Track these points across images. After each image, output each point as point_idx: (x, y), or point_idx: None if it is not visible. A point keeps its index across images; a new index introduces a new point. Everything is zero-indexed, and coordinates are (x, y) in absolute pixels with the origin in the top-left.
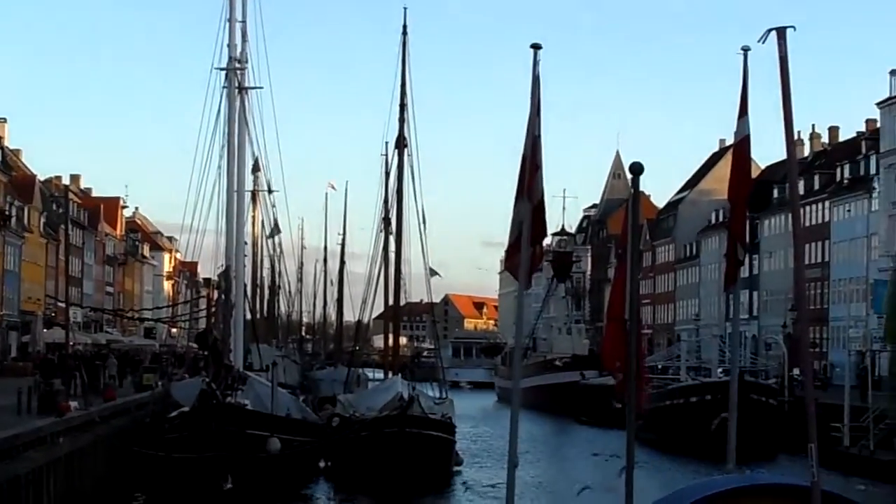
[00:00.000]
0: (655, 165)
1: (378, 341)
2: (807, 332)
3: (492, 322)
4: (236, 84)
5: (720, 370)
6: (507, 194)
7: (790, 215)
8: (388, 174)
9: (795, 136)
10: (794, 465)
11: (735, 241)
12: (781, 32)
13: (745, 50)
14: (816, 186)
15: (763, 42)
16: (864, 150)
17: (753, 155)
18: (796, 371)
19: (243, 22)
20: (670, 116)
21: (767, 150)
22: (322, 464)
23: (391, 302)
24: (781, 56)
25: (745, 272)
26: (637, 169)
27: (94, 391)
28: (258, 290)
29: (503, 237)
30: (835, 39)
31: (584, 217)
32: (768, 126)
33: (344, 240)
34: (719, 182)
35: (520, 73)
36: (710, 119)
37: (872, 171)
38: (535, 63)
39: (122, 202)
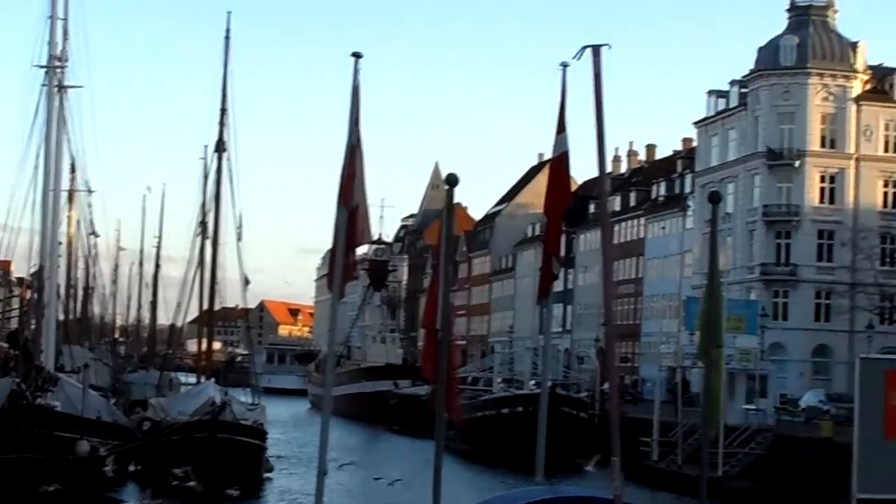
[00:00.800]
0: (475, 178)
1: (192, 346)
2: (613, 346)
3: (307, 329)
4: (55, 82)
5: (532, 382)
6: (325, 202)
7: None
8: (206, 178)
9: (614, 153)
10: (600, 478)
11: (550, 254)
12: (597, 50)
13: (564, 66)
14: (633, 203)
15: (578, 59)
16: (679, 169)
17: (572, 170)
18: (607, 385)
19: (65, 19)
20: (491, 129)
21: (587, 166)
22: (132, 467)
23: (206, 306)
24: (596, 73)
25: (559, 286)
26: (452, 180)
27: None
28: (72, 291)
29: (320, 244)
30: (655, 59)
31: (402, 227)
32: (588, 141)
33: (160, 242)
34: (536, 196)
35: (342, 80)
36: (530, 133)
37: (688, 189)
38: (356, 72)
39: None
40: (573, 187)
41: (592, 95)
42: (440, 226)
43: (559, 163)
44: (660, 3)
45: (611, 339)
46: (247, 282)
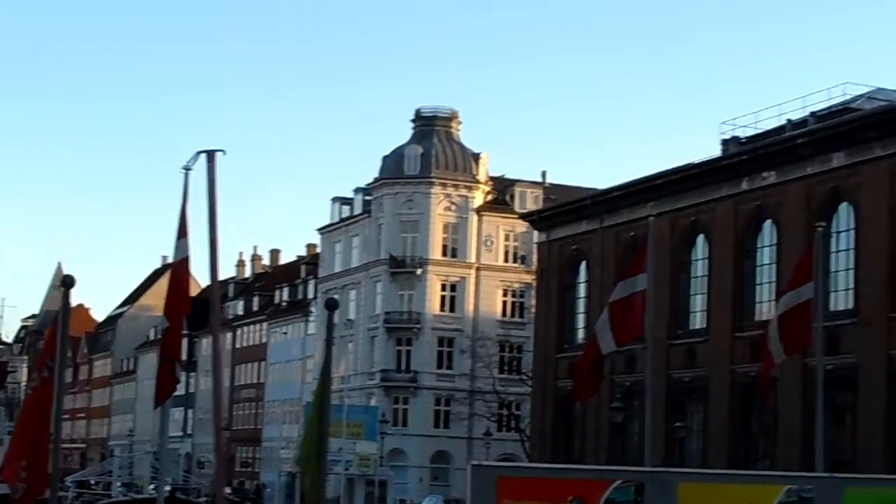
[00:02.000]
0: (99, 278)
1: None
2: (221, 451)
3: None
4: None
5: (152, 486)
6: None
7: (228, 334)
8: None
9: (238, 257)
10: None
11: (169, 357)
12: (211, 155)
13: (187, 170)
14: (256, 308)
15: (193, 164)
16: (303, 275)
17: (198, 273)
18: (228, 489)
19: None
20: (117, 230)
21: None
22: None
23: None
24: (210, 178)
25: (181, 389)
26: (69, 282)
27: None
28: None
29: None
30: (283, 163)
31: (23, 327)
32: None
33: None
34: (159, 298)
35: None
36: (156, 235)
37: (311, 295)
38: None
39: None
40: (197, 291)
41: (206, 200)
42: (52, 327)
43: (180, 267)
44: (287, 108)
45: (220, 444)
46: None
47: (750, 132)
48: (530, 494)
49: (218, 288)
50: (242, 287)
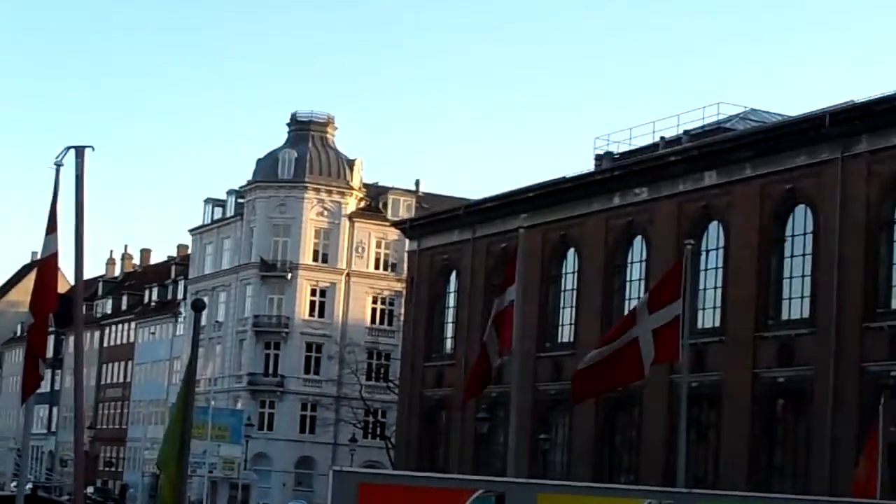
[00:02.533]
0: None
1: None
2: (82, 452)
3: None
4: None
5: (13, 484)
6: None
7: (96, 333)
8: None
9: (109, 256)
10: None
11: (34, 354)
12: (80, 151)
13: (58, 165)
14: (124, 307)
15: (62, 159)
16: (173, 275)
17: (66, 271)
18: (91, 489)
19: None
20: None
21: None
22: None
23: None
24: (78, 174)
25: (46, 387)
26: None
27: None
28: None
29: None
30: (157, 163)
31: None
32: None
33: None
34: (26, 294)
35: None
36: (26, 230)
37: (180, 295)
38: None
39: None
40: (66, 287)
41: (74, 197)
42: None
43: (48, 263)
44: (164, 108)
45: (80, 442)
46: None
47: (624, 148)
48: (392, 502)
49: (82, 285)
50: (112, 286)
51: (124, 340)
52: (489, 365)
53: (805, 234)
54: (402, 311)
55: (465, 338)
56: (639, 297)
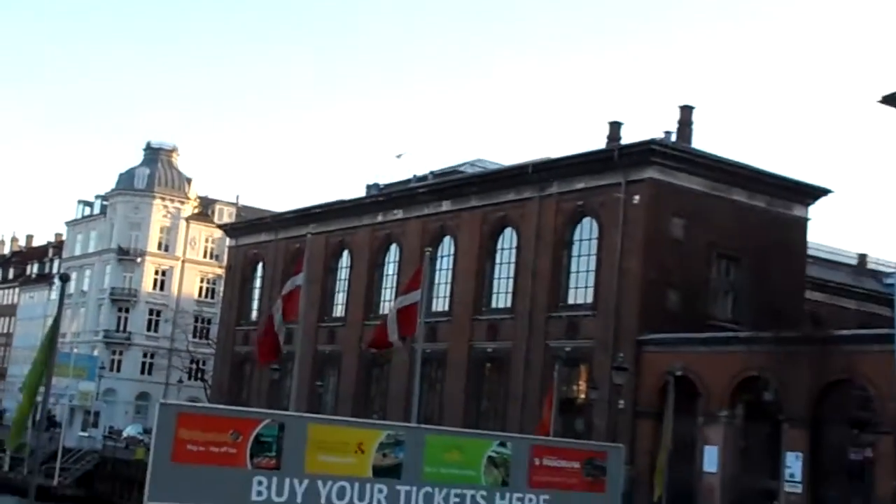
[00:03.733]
0: None
1: None
2: None
3: None
4: None
5: None
6: None
7: None
8: None
9: (0, 237)
10: None
11: None
12: None
13: None
14: (11, 276)
15: None
16: (50, 255)
17: None
18: None
19: None
20: None
21: None
22: None
23: None
24: None
25: None
26: None
27: None
28: None
29: None
30: (41, 164)
31: None
32: None
33: None
34: None
35: None
36: None
37: (55, 270)
38: None
39: None
40: None
41: None
42: None
43: None
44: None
45: None
46: None
47: (387, 180)
48: (202, 426)
49: None
50: (1, 260)
51: (10, 302)
52: (275, 333)
53: (511, 248)
54: (222, 289)
55: (266, 310)
56: (391, 287)
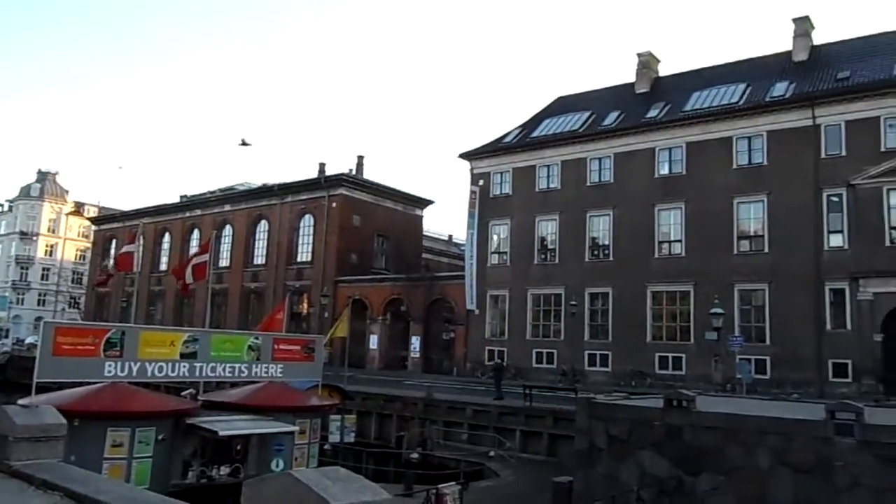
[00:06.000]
0: None
1: None
2: None
3: None
4: None
5: None
6: None
7: None
8: None
9: None
10: None
11: None
12: None
13: None
14: None
15: None
16: None
17: None
18: None
19: None
20: None
21: None
22: None
23: None
24: None
25: None
26: None
27: None
28: None
29: None
30: None
31: None
32: None
33: None
34: None
35: None
36: None
37: None
38: None
39: None
40: None
41: None
42: None
43: None
44: None
45: None
46: None
47: (194, 192)
48: (72, 335)
49: None
50: None
51: None
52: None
53: (265, 231)
54: (90, 255)
55: (117, 267)
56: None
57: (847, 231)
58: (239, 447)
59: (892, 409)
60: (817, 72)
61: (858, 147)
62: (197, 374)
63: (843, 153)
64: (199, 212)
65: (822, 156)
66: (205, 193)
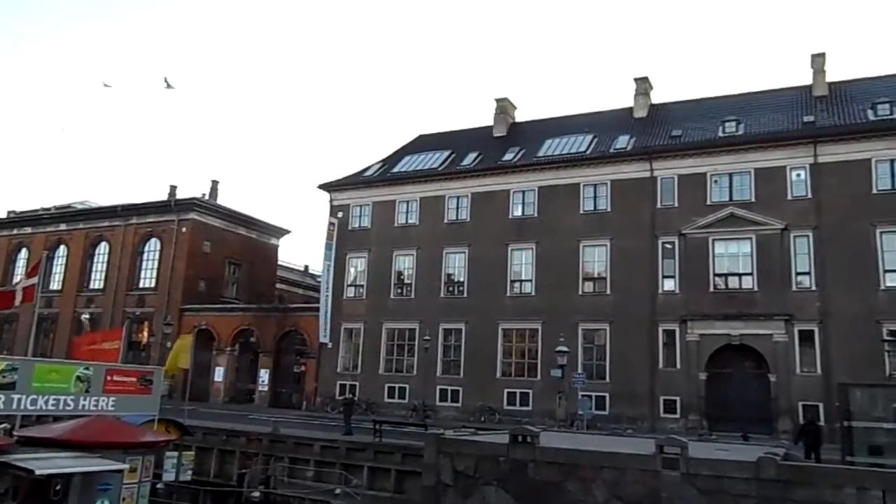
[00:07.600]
0: None
1: None
2: None
3: None
4: None
5: None
6: None
7: None
8: None
9: None
10: None
11: None
12: None
13: None
14: None
15: None
16: None
17: None
18: None
19: None
20: None
21: None
22: None
23: None
24: None
25: None
26: None
27: None
28: None
29: None
30: None
31: None
32: None
33: None
34: None
35: None
36: None
37: None
38: None
39: None
40: None
41: None
42: None
43: None
44: None
45: None
46: None
47: (24, 208)
48: None
49: None
50: None
51: None
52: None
53: (105, 253)
54: None
55: None
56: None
57: (678, 276)
58: (58, 487)
59: (713, 443)
60: (655, 128)
61: (689, 199)
62: (14, 406)
63: (676, 204)
64: (28, 230)
65: (658, 205)
66: (37, 210)
